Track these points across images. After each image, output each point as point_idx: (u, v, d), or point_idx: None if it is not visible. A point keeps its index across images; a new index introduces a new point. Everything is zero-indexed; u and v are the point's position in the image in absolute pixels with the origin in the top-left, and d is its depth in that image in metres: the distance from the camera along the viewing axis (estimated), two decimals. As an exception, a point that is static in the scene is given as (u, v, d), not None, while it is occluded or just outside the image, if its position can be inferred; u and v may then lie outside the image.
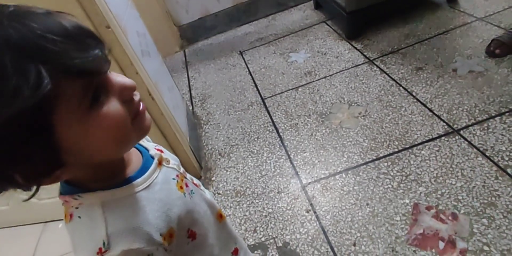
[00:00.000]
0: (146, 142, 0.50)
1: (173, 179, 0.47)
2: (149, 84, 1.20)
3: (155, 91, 1.23)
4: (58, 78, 0.28)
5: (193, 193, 0.50)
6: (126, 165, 0.43)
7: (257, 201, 1.23)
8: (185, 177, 0.50)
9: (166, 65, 1.61)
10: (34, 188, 0.33)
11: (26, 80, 0.26)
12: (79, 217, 0.38)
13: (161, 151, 0.50)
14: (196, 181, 0.55)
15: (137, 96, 0.38)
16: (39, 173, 0.31)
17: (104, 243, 0.35)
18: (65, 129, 0.30)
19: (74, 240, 0.38)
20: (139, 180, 0.42)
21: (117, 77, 0.35)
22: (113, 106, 0.34)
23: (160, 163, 0.46)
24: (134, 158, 0.45)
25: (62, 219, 0.40)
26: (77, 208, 0.38)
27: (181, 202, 0.45)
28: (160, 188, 0.43)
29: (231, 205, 1.24)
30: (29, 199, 0.34)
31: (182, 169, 0.51)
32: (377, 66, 1.65)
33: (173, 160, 0.50)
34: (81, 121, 0.31)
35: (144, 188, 0.42)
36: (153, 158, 0.46)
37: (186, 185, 0.49)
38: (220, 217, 0.56)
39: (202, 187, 0.56)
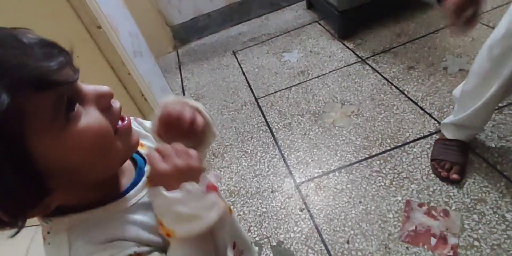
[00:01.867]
0: (145, 147, 0.47)
1: None
2: (141, 85, 1.20)
3: (147, 91, 1.22)
4: (20, 93, 0.25)
5: None
6: (112, 186, 0.40)
7: (251, 200, 1.23)
8: None
9: (159, 65, 1.61)
10: (20, 223, 0.30)
11: None
12: (49, 243, 0.36)
13: None
14: None
15: (116, 104, 0.36)
16: (24, 205, 0.28)
17: None
18: (42, 149, 0.28)
19: None
20: (118, 201, 0.38)
21: (89, 86, 0.33)
22: (92, 116, 0.32)
23: None
24: (125, 173, 0.42)
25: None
26: (48, 233, 0.36)
27: None
28: (143, 210, 0.39)
29: (225, 205, 1.24)
30: (15, 234, 0.31)
31: None
32: (369, 65, 1.66)
33: None
34: (59, 137, 0.29)
35: (122, 210, 0.38)
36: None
37: None
38: None
39: None
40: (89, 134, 0.31)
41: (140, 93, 1.17)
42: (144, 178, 0.41)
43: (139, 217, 0.39)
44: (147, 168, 0.42)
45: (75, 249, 0.34)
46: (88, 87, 0.33)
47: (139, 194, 0.40)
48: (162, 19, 2.33)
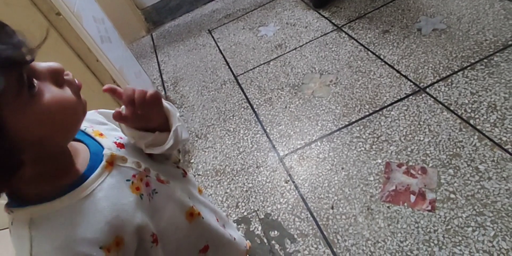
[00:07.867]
0: (105, 136, 0.46)
1: (128, 180, 0.43)
2: (112, 71, 1.17)
3: (119, 77, 1.20)
4: None
5: (156, 192, 0.46)
6: (69, 168, 0.40)
7: (237, 177, 1.25)
8: (148, 175, 0.46)
9: (134, 50, 1.57)
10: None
11: None
12: (12, 234, 0.37)
13: (122, 146, 0.46)
14: (164, 176, 0.49)
15: (70, 76, 0.38)
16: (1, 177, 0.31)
17: None
18: (12, 123, 0.30)
19: None
20: (77, 189, 0.38)
21: (42, 64, 0.35)
22: (53, 91, 0.34)
23: (111, 164, 0.42)
24: (80, 159, 0.41)
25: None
26: (12, 224, 0.37)
27: (134, 207, 0.41)
28: (105, 195, 0.39)
29: (212, 184, 1.26)
30: None
31: (144, 166, 0.46)
32: (346, 33, 1.64)
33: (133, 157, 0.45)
34: (26, 111, 0.31)
35: (83, 198, 0.38)
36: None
37: (147, 185, 0.45)
38: (190, 216, 0.50)
39: (173, 182, 0.50)
40: (55, 106, 0.34)
41: (112, 79, 1.14)
42: (103, 162, 0.42)
43: (102, 202, 0.39)
44: (106, 152, 0.43)
45: (37, 242, 0.35)
46: (41, 64, 0.35)
47: (98, 179, 0.40)
48: (132, 2, 2.24)
